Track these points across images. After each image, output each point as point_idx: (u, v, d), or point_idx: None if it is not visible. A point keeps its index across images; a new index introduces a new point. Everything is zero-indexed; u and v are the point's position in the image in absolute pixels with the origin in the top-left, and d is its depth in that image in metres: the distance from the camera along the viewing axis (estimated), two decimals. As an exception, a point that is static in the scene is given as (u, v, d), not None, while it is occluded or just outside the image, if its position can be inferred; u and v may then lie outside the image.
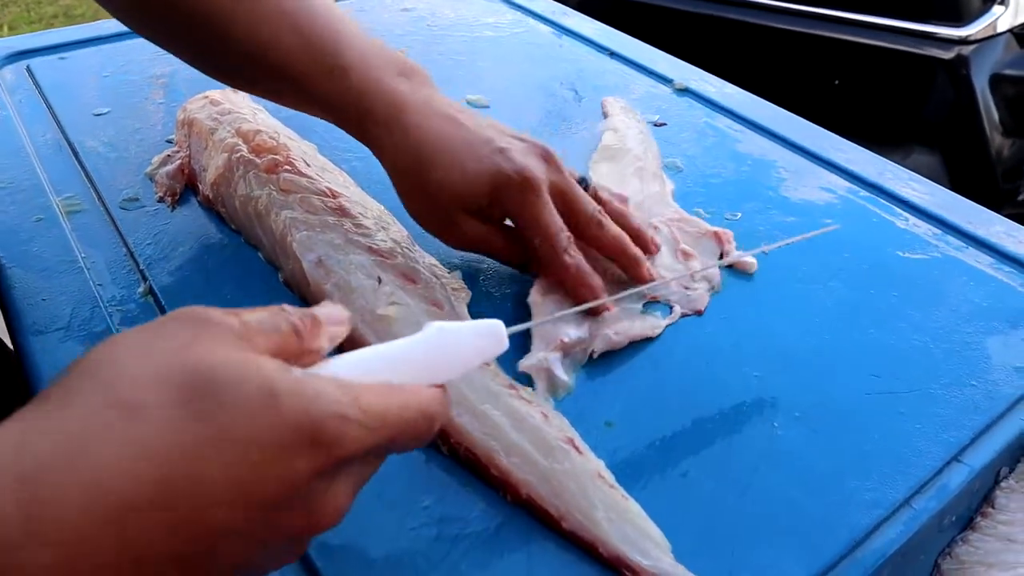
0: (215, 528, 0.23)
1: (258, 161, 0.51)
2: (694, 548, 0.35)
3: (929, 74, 1.46)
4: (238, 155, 0.52)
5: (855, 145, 0.66)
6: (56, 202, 0.54)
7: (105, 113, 0.63)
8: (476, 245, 0.47)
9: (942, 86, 1.47)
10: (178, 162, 0.56)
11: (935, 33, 1.44)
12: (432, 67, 0.72)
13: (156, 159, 0.57)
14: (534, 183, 0.44)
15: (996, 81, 1.43)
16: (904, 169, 0.63)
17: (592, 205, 0.47)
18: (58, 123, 0.62)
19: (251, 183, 0.50)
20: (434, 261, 0.48)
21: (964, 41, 1.42)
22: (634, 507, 0.36)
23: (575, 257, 0.45)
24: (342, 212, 0.48)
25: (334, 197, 0.49)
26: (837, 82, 1.50)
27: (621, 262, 0.48)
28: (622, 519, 0.36)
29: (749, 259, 0.51)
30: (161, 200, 0.54)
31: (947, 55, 1.44)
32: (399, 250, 0.46)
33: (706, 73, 0.75)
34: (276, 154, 0.52)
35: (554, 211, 0.45)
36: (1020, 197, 1.52)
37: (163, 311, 0.46)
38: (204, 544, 0.23)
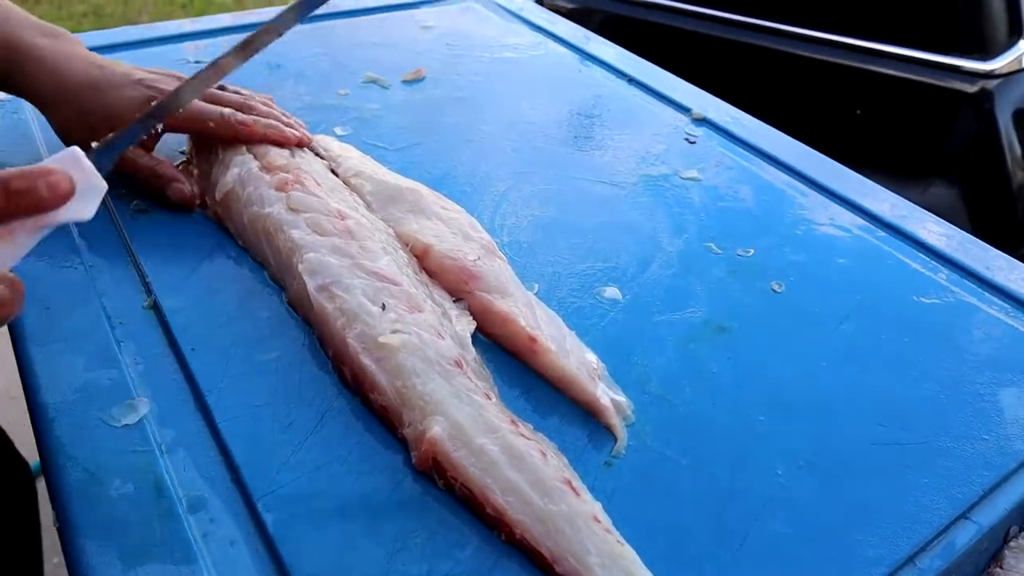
0: None
1: (268, 178, 0.51)
2: (688, 599, 0.35)
3: (952, 107, 1.45)
4: (248, 171, 0.52)
5: (874, 184, 0.65)
6: (67, 209, 0.54)
7: (121, 121, 0.63)
8: (125, 166, 0.54)
9: (965, 120, 1.45)
10: (185, 173, 0.56)
11: (960, 66, 1.43)
12: (450, 87, 0.73)
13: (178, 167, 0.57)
14: (148, 82, 0.54)
15: (1020, 116, 1.42)
16: (922, 210, 0.63)
17: (235, 96, 0.57)
18: (74, 129, 0.62)
19: (261, 200, 0.50)
20: (441, 291, 0.48)
21: (989, 75, 1.40)
22: (629, 554, 0.36)
23: (244, 116, 0.55)
24: (350, 234, 0.48)
25: (342, 219, 0.49)
26: (858, 112, 1.49)
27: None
28: (616, 566, 0.35)
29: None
30: (179, 208, 0.54)
31: (971, 89, 1.43)
32: (404, 276, 0.46)
33: (724, 103, 0.74)
34: (287, 172, 0.52)
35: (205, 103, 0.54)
36: (1041, 236, 1.50)
37: (166, 326, 0.45)
38: None
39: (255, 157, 0.53)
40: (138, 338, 0.45)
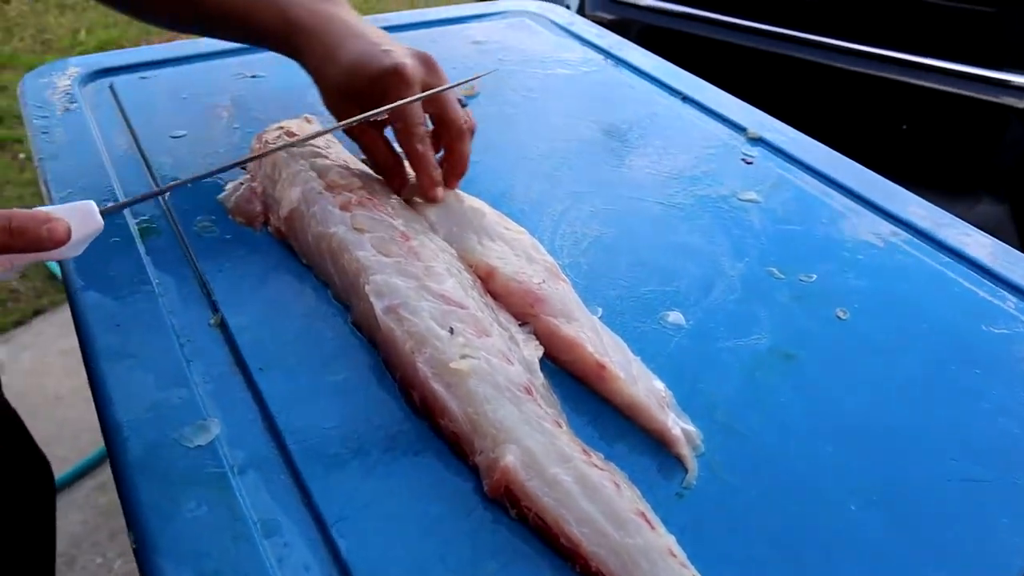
0: None
1: (332, 197, 0.51)
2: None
3: (1001, 122, 1.43)
4: (312, 190, 0.52)
5: (934, 206, 0.64)
6: (132, 224, 0.55)
7: (181, 136, 0.64)
8: (359, 133, 0.55)
9: (1014, 135, 1.43)
10: (249, 189, 0.56)
11: (1009, 81, 1.41)
12: (504, 103, 0.73)
13: (230, 186, 0.57)
14: (406, 76, 0.52)
15: (1070, 134, 1.39)
16: (985, 234, 0.61)
17: (462, 118, 0.55)
18: (137, 143, 0.63)
19: (325, 220, 0.50)
20: (507, 315, 0.47)
21: (1040, 91, 1.38)
22: None
23: (426, 148, 0.53)
24: (415, 256, 0.48)
25: (407, 240, 0.49)
26: (904, 127, 1.47)
27: (445, 173, 0.55)
28: None
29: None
30: (244, 225, 0.55)
31: (1021, 104, 1.40)
32: (470, 299, 0.46)
33: (779, 122, 0.73)
34: (350, 191, 0.52)
35: (418, 107, 0.53)
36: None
37: (233, 345, 0.46)
38: None
39: (318, 175, 0.53)
40: (206, 356, 0.45)
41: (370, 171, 0.57)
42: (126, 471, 0.38)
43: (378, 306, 0.45)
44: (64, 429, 1.55)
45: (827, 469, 0.42)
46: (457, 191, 0.57)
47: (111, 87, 0.71)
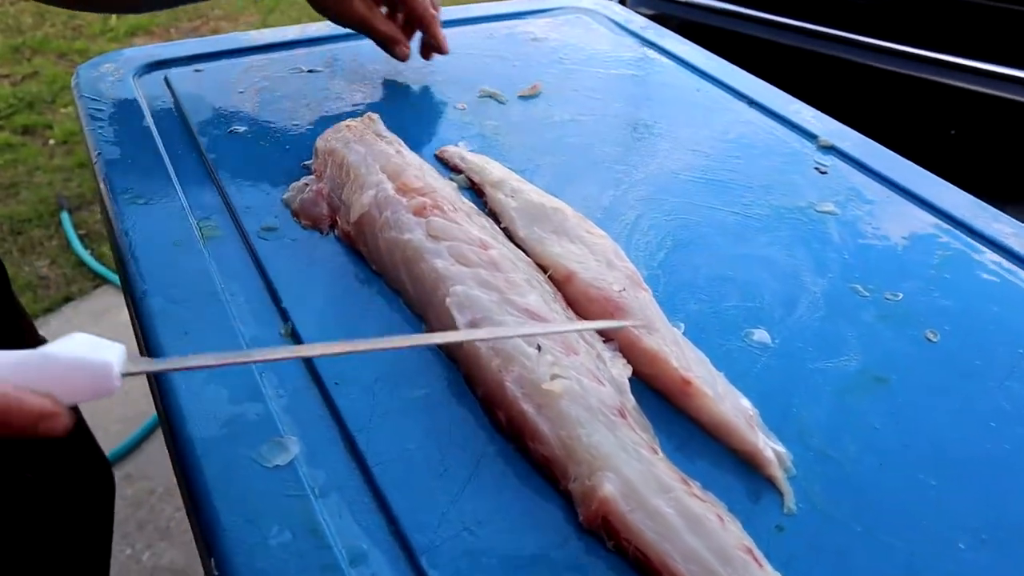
0: None
1: (405, 202, 0.50)
2: None
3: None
4: (383, 194, 0.50)
5: (1017, 221, 0.61)
6: (194, 225, 0.53)
7: (241, 132, 0.63)
8: (360, 22, 0.68)
9: (1065, 143, 1.39)
10: (315, 191, 0.55)
11: (1063, 87, 1.37)
12: (568, 104, 0.71)
13: (294, 186, 0.56)
14: None
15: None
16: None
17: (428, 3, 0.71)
18: (195, 141, 0.61)
19: (399, 225, 0.48)
20: (590, 328, 0.46)
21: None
22: None
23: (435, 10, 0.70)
24: (495, 266, 0.46)
25: (485, 249, 0.47)
26: (953, 132, 1.44)
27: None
28: None
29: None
30: (309, 228, 0.53)
31: (1074, 111, 1.37)
32: (555, 314, 0.44)
33: (850, 129, 0.71)
34: (423, 195, 0.50)
35: None
36: None
37: (305, 356, 0.44)
38: None
39: (389, 178, 0.52)
40: (278, 369, 0.43)
41: (436, 172, 0.55)
42: (204, 493, 0.37)
43: (460, 320, 0.43)
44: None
45: (930, 503, 0.40)
46: (539, 190, 0.55)
47: (166, 79, 0.69)
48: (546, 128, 0.67)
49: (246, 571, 0.34)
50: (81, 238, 1.85)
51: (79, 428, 0.64)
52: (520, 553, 0.35)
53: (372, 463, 0.38)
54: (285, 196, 0.56)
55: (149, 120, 0.63)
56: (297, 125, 0.64)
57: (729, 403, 0.43)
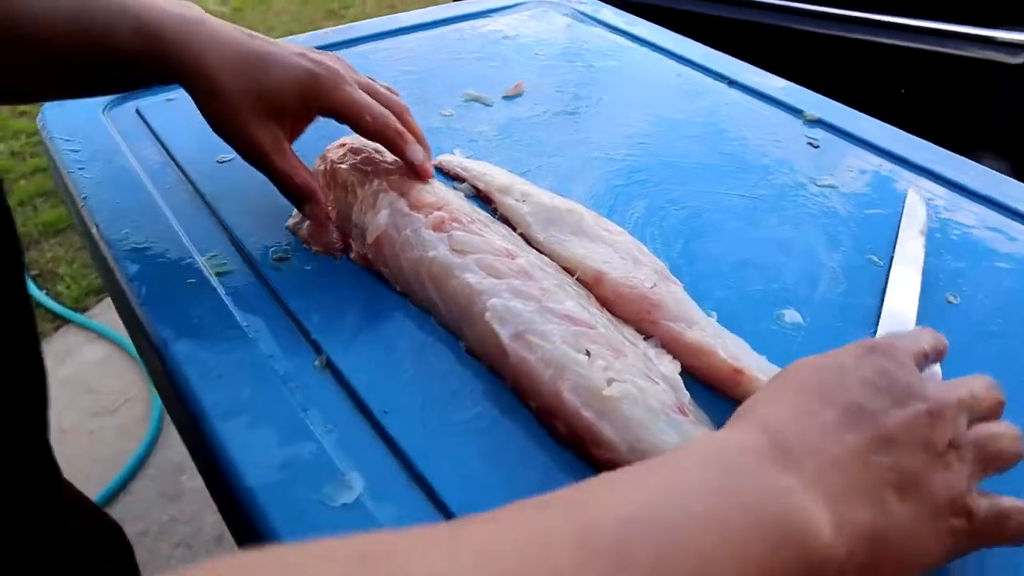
0: None
1: (422, 218, 0.48)
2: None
3: (995, 79, 1.44)
4: (399, 211, 0.49)
5: (1003, 176, 0.63)
6: (202, 263, 0.51)
7: (229, 160, 0.60)
8: (266, 164, 0.50)
9: (1008, 91, 1.44)
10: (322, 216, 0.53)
11: (1000, 38, 1.42)
12: (554, 101, 0.70)
13: (298, 213, 0.54)
14: (344, 76, 0.50)
15: (1064, 86, 1.40)
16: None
17: (394, 98, 0.54)
18: (183, 173, 0.59)
19: (421, 244, 0.47)
20: (630, 329, 0.45)
21: (1032, 46, 1.39)
22: None
23: (403, 125, 0.52)
24: (526, 275, 0.45)
25: (512, 258, 0.46)
26: (903, 91, 1.47)
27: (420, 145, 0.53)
28: None
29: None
30: (322, 254, 0.52)
31: (1013, 60, 1.41)
32: (595, 318, 0.44)
33: (833, 101, 0.72)
34: (439, 209, 0.49)
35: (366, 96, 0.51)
36: (1087, 203, 1.49)
37: (348, 388, 0.43)
38: None
39: (400, 194, 0.50)
40: (321, 403, 0.42)
41: (445, 186, 0.54)
42: (273, 540, 0.35)
43: (503, 334, 0.42)
44: (70, 464, 1.50)
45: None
46: (549, 192, 0.54)
47: (137, 111, 0.67)
48: (537, 128, 0.67)
49: (336, 619, 0.32)
50: (34, 279, 1.78)
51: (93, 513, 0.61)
52: (607, 565, 0.35)
53: (440, 489, 0.38)
54: (290, 224, 0.54)
55: (129, 157, 0.61)
56: (287, 147, 0.62)
57: None
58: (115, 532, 0.62)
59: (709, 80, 0.75)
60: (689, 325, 0.45)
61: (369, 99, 0.51)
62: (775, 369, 0.44)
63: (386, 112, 0.51)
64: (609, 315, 0.46)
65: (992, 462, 0.33)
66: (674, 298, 0.47)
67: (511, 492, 0.38)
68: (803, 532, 0.27)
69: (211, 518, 1.32)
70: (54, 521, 0.43)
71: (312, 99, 0.50)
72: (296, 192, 0.51)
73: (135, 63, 0.47)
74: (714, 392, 0.44)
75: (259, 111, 0.49)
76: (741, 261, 0.53)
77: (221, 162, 0.60)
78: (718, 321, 0.48)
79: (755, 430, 0.31)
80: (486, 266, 0.46)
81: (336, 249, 0.52)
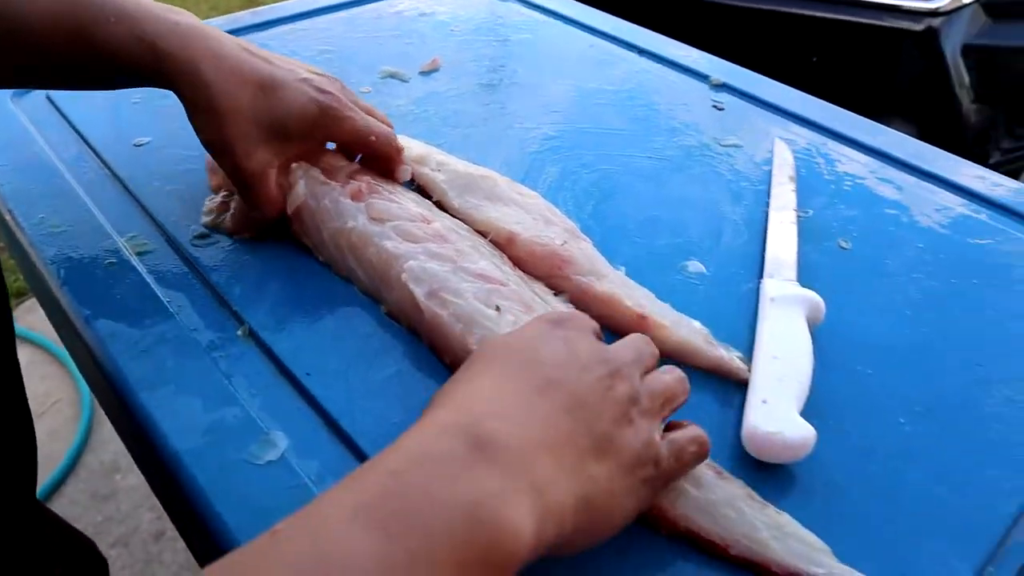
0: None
1: (339, 187, 0.50)
2: (861, 558, 0.36)
3: (901, 46, 1.50)
4: (314, 180, 0.50)
5: (896, 132, 0.67)
6: (122, 243, 0.51)
7: (146, 143, 0.61)
8: (259, 176, 0.49)
9: (914, 57, 1.51)
10: (238, 207, 0.52)
11: (905, 6, 1.48)
12: (470, 75, 0.72)
13: (210, 208, 0.54)
14: (347, 104, 0.51)
15: (965, 51, 1.48)
16: (947, 153, 0.65)
17: (380, 113, 0.56)
18: (99, 157, 0.59)
19: (340, 214, 0.48)
20: (541, 287, 0.47)
21: (933, 13, 1.46)
22: (790, 520, 0.37)
23: (399, 143, 0.53)
24: (442, 238, 0.47)
25: (428, 222, 0.48)
26: (815, 59, 1.53)
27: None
28: (785, 534, 0.36)
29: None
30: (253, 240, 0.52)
31: (917, 27, 1.48)
32: (508, 277, 0.46)
33: (738, 67, 0.75)
34: (352, 176, 0.50)
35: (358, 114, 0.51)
36: (991, 161, 1.58)
37: (270, 354, 0.44)
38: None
39: (309, 164, 0.51)
40: (245, 369, 0.43)
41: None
42: (203, 501, 0.37)
43: (419, 292, 0.44)
44: None
45: (870, 389, 0.44)
46: (464, 161, 0.56)
47: (48, 98, 0.66)
48: (454, 101, 0.68)
49: (264, 566, 0.34)
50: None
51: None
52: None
53: (362, 443, 0.39)
54: (206, 221, 0.53)
55: (42, 143, 0.60)
56: (204, 129, 0.62)
57: (684, 328, 0.46)
58: (91, 551, 0.62)
59: (621, 50, 0.78)
60: (598, 278, 0.48)
61: (370, 120, 0.52)
62: (680, 315, 0.47)
63: (387, 131, 0.53)
64: (522, 273, 0.48)
65: (667, 404, 0.36)
66: (584, 254, 0.49)
67: (431, 441, 0.40)
68: (501, 536, 0.27)
69: (147, 515, 1.31)
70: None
71: (320, 132, 0.50)
72: (259, 213, 0.50)
73: (128, 67, 0.47)
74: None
75: (258, 136, 0.48)
76: (648, 218, 0.56)
77: (137, 145, 0.60)
78: (626, 275, 0.50)
79: (452, 428, 0.30)
80: (403, 232, 0.47)
81: (263, 227, 0.52)
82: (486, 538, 0.26)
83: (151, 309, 0.47)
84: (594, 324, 0.38)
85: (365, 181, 0.50)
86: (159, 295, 0.48)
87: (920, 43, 1.49)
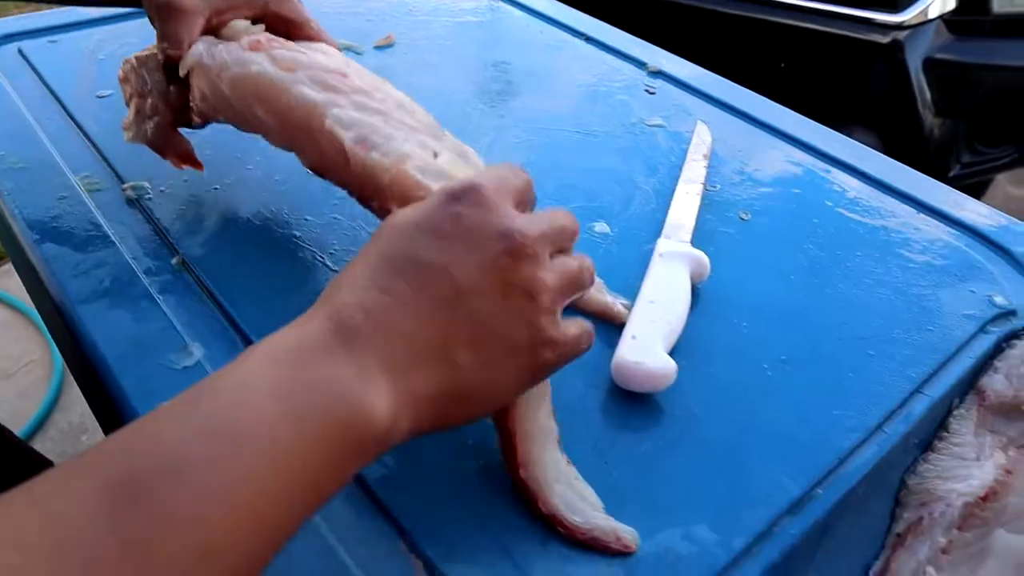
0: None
1: (237, 43, 0.46)
2: (708, 477, 0.40)
3: (867, 57, 1.56)
4: (210, 43, 0.47)
5: (813, 122, 0.72)
6: (76, 181, 0.56)
7: (108, 95, 0.65)
8: (183, 11, 0.47)
9: (879, 69, 1.56)
10: (153, 110, 0.51)
11: (873, 19, 1.53)
12: (421, 51, 0.77)
13: (128, 123, 0.53)
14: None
15: (928, 65, 1.53)
16: (859, 144, 0.70)
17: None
18: (63, 106, 0.63)
19: (240, 61, 0.44)
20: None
21: (899, 27, 1.51)
22: (578, 475, 0.39)
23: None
24: (364, 93, 0.43)
25: (345, 77, 0.44)
26: (783, 65, 1.58)
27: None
28: (569, 483, 0.38)
29: None
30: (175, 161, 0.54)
31: (884, 39, 1.53)
32: (439, 131, 0.44)
33: (677, 57, 0.80)
34: (248, 34, 0.48)
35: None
36: (951, 174, 1.63)
37: (199, 280, 0.49)
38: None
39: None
40: (176, 293, 0.48)
41: None
42: (125, 401, 0.41)
43: (347, 136, 0.40)
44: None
45: (743, 339, 0.49)
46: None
47: (20, 51, 0.70)
48: (403, 74, 0.73)
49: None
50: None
51: None
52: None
53: (271, 357, 0.44)
54: (129, 137, 0.53)
55: (10, 90, 0.65)
56: (164, 85, 0.67)
57: None
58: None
59: (569, 37, 0.82)
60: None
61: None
62: None
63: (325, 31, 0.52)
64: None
65: (571, 291, 0.35)
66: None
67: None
68: (353, 419, 0.28)
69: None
70: None
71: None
72: (163, 49, 0.48)
73: None
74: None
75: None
76: (566, 184, 0.60)
77: (100, 97, 0.65)
78: (538, 231, 0.55)
79: (322, 316, 0.31)
80: (320, 82, 0.43)
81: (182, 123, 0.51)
82: (344, 415, 0.28)
83: (95, 238, 0.51)
84: (517, 188, 0.35)
85: (264, 36, 0.46)
86: (104, 226, 0.52)
87: (886, 55, 1.54)
